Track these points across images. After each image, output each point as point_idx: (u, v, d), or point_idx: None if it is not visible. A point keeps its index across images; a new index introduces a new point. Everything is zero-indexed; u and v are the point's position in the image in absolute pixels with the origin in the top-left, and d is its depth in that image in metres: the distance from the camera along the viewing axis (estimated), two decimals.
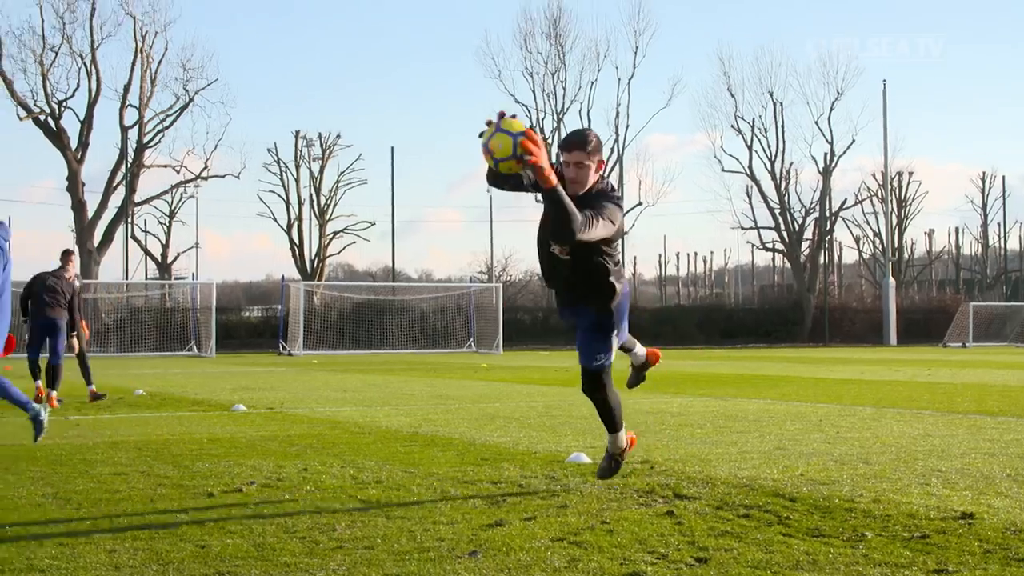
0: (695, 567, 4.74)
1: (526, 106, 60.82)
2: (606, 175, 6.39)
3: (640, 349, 7.53)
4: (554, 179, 5.76)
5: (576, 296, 6.66)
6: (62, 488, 7.04)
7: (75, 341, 15.23)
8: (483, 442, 9.62)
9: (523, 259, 73.83)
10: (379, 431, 10.69)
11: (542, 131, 60.31)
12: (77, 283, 15.61)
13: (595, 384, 6.74)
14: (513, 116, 5.75)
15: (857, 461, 8.18)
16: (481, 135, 5.78)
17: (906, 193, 70.87)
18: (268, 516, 6.01)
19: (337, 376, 23.46)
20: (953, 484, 7.02)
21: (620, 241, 6.51)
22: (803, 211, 62.66)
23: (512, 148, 5.65)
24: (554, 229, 6.06)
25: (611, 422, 6.91)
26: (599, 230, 6.03)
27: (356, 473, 7.70)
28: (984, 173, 75.06)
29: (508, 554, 5.00)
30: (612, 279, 6.51)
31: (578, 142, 6.25)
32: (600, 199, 6.19)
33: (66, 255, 15.63)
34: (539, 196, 6.13)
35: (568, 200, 5.83)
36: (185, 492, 6.88)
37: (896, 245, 68.55)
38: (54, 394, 14.47)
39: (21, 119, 50.84)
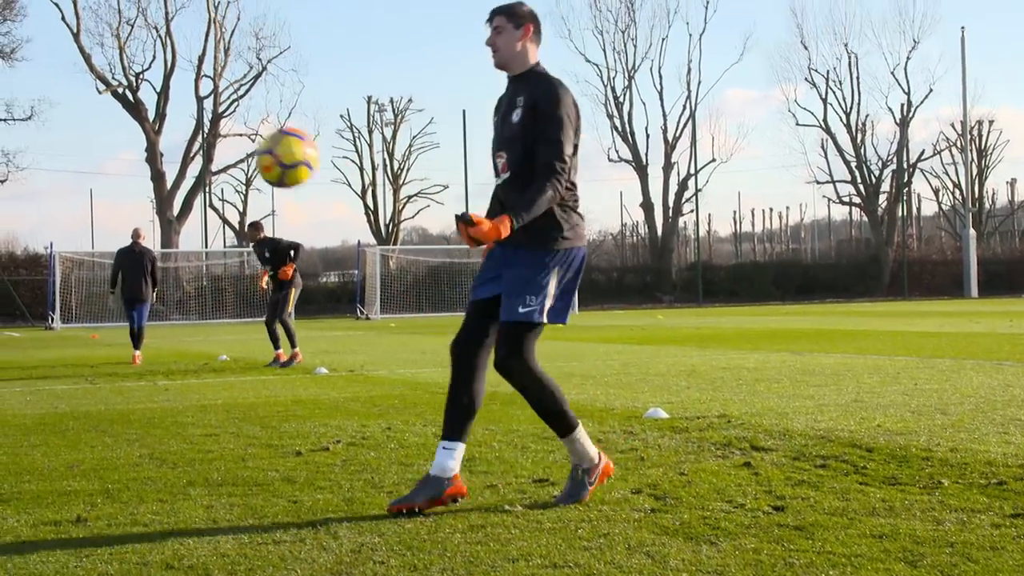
0: (772, 515, 4.84)
1: (597, 65, 60.55)
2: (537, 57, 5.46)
3: (587, 448, 5.46)
4: (502, 228, 5.00)
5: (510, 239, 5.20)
6: (157, 449, 7.31)
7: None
8: None
9: (596, 219, 73.74)
10: None
11: (613, 90, 60.01)
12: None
13: (509, 348, 5.26)
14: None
15: (935, 412, 8.20)
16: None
17: (986, 142, 69.55)
18: (355, 472, 6.21)
19: (415, 338, 23.76)
20: None
21: (574, 158, 5.29)
22: (880, 164, 61.87)
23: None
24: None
25: (550, 417, 5.44)
26: (562, 150, 5.14)
27: (438, 431, 7.84)
28: None
29: (590, 506, 5.14)
30: (559, 216, 5.29)
31: (498, 8, 5.42)
32: (543, 88, 5.25)
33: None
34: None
35: (526, 201, 5.08)
36: (274, 451, 7.11)
37: (976, 195, 67.39)
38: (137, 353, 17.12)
39: (100, 92, 51.78)
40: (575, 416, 5.47)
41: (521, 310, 5.23)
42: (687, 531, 4.58)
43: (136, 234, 17.89)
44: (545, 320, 5.30)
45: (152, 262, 17.71)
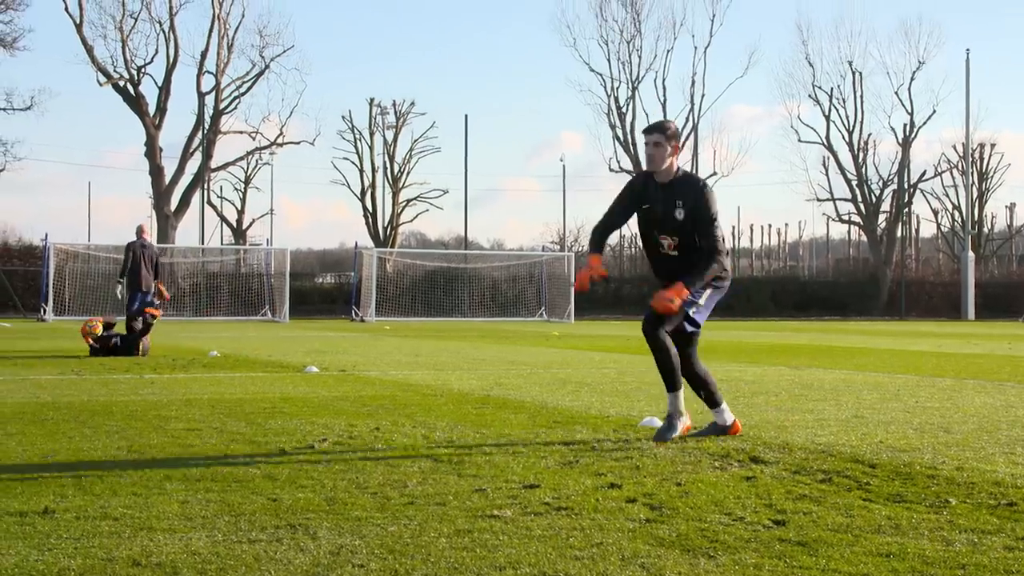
0: (773, 529, 4.62)
1: (601, 75, 60.41)
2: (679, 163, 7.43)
3: (727, 411, 7.71)
4: (683, 292, 7.11)
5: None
6: (136, 442, 7.08)
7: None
8: (555, 406, 9.56)
9: None
10: (451, 393, 10.66)
11: (616, 100, 59.81)
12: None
13: (660, 318, 7.24)
14: None
15: (938, 430, 7.99)
16: None
17: (987, 165, 69.43)
18: (339, 472, 5.98)
19: (409, 341, 23.52)
20: None
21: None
22: (881, 183, 61.78)
23: None
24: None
25: (670, 376, 7.40)
26: (718, 236, 7.23)
27: (428, 433, 7.66)
28: None
29: (582, 514, 4.92)
30: (717, 265, 7.28)
31: (658, 127, 7.36)
32: (694, 193, 7.22)
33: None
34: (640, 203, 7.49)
35: (696, 273, 7.19)
36: (257, 448, 6.88)
37: (976, 218, 67.22)
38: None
39: (101, 84, 51.56)
40: (680, 383, 7.40)
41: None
42: (684, 543, 4.36)
43: (140, 230, 19.25)
44: (701, 318, 7.46)
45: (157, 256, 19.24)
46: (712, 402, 7.61)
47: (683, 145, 8.19)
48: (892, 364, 15.96)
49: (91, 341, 16.60)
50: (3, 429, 7.63)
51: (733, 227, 78.70)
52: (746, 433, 7.74)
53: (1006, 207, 75.41)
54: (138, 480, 5.65)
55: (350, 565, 3.98)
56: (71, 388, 10.95)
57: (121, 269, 19.01)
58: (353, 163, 61.15)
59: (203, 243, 54.20)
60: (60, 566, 3.91)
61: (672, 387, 7.38)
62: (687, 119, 59.61)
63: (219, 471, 5.96)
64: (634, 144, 59.53)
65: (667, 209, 7.22)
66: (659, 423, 8.11)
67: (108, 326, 17.03)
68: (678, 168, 7.34)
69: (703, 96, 60.05)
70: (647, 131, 7.37)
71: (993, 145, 69.38)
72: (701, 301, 7.35)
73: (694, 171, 58.95)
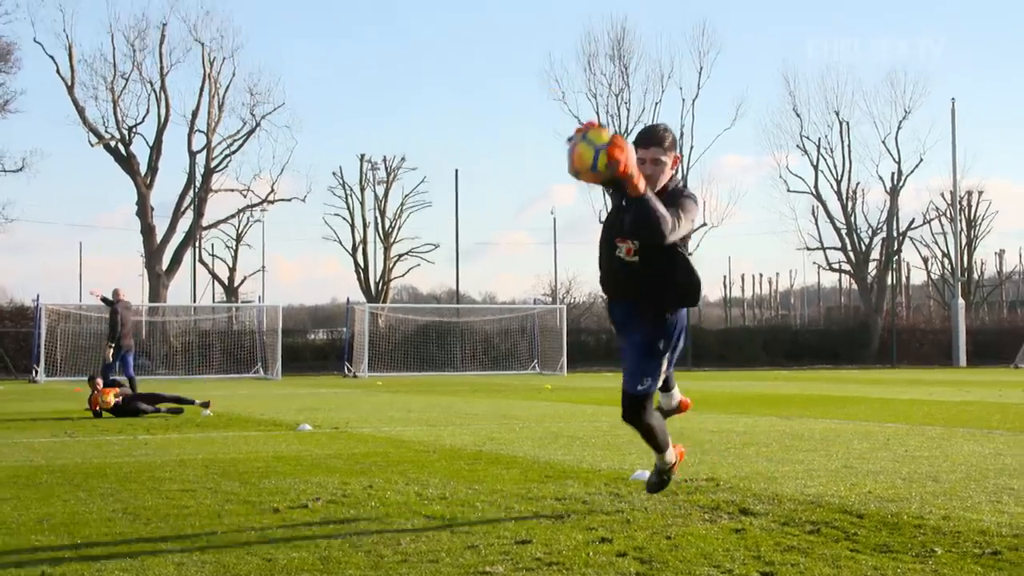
0: None
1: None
2: (677, 175, 6.31)
3: (677, 393, 7.01)
4: (643, 186, 5.51)
5: (635, 304, 6.16)
6: (131, 504, 7.13)
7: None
8: (547, 460, 9.62)
9: (587, 281, 73.37)
10: (443, 449, 10.72)
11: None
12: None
13: (636, 410, 6.18)
14: (602, 127, 5.49)
15: (926, 479, 8.06)
16: (569, 140, 5.52)
17: (976, 213, 69.81)
18: (333, 531, 6.05)
19: (401, 397, 23.56)
20: None
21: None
22: (870, 231, 62.02)
23: (592, 161, 5.35)
24: (645, 233, 5.77)
25: (657, 445, 6.47)
26: (684, 230, 5.88)
27: (421, 490, 7.72)
28: None
29: (573, 569, 4.99)
30: (691, 272, 6.09)
31: (654, 138, 6.11)
32: (678, 197, 5.99)
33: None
34: (611, 192, 6.34)
35: (658, 204, 5.61)
36: (252, 508, 6.93)
37: (965, 265, 67.51)
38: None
39: (92, 145, 51.73)
40: (668, 443, 6.53)
41: (639, 389, 6.13)
42: None
43: (117, 293, 21.15)
44: (659, 383, 6.27)
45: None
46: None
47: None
48: (882, 413, 16.04)
49: (96, 407, 16.63)
50: None
51: (724, 276, 78.87)
52: (736, 485, 7.81)
53: (995, 253, 75.80)
54: (134, 543, 5.71)
55: None
56: (65, 450, 10.99)
57: (110, 332, 20.95)
58: (344, 219, 61.34)
59: (195, 301, 54.25)
60: None
61: (659, 450, 6.55)
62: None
63: (214, 532, 6.02)
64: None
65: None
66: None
67: (117, 395, 17.03)
68: (672, 177, 6.26)
69: (692, 147, 60.45)
70: (640, 144, 6.09)
71: (981, 192, 69.77)
72: (663, 366, 6.21)
73: None
